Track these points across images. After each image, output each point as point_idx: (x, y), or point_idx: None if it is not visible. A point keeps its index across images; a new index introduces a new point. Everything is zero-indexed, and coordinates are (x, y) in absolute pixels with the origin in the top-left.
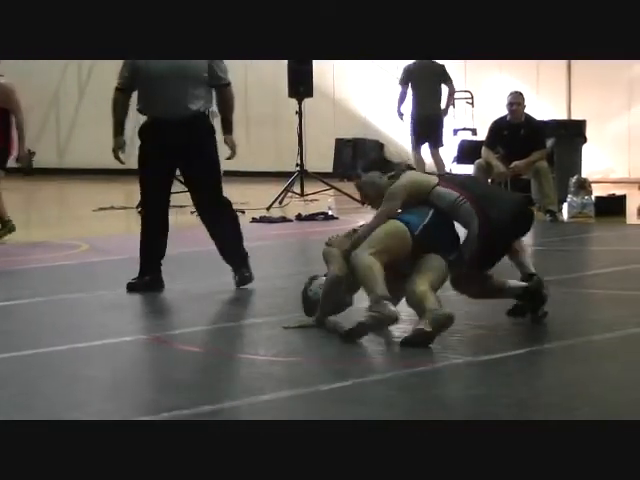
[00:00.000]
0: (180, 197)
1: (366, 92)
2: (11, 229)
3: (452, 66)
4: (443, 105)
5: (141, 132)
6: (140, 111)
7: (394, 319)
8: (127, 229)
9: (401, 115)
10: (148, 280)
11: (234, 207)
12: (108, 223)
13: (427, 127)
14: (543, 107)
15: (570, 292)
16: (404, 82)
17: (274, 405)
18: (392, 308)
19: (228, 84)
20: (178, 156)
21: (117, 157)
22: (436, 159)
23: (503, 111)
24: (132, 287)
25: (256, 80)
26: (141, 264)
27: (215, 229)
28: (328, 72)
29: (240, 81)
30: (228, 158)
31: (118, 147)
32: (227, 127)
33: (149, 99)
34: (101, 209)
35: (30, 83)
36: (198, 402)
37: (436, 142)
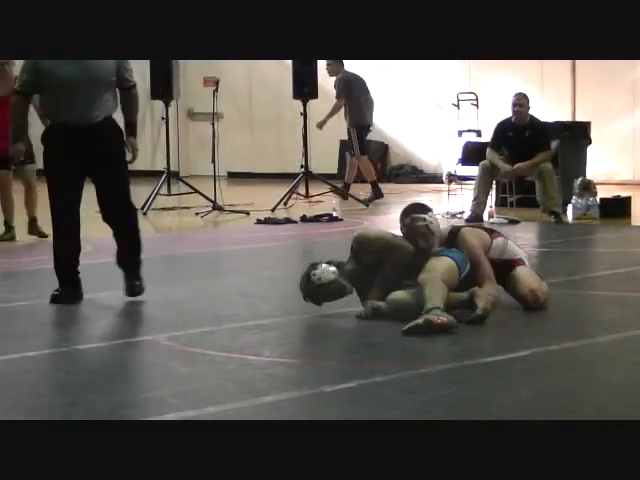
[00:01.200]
0: (183, 198)
1: (371, 93)
2: (12, 237)
3: (457, 67)
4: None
5: (45, 138)
6: (44, 116)
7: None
8: None
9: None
10: (67, 291)
11: (239, 208)
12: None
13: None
14: (547, 108)
15: (574, 294)
16: (346, 93)
17: (278, 406)
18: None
19: (134, 85)
20: (86, 161)
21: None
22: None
23: (507, 113)
24: (55, 299)
25: (260, 82)
26: (59, 275)
27: (118, 231)
28: None
29: (244, 82)
30: (130, 162)
31: (16, 154)
32: (132, 130)
33: (57, 104)
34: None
35: None
36: (202, 403)
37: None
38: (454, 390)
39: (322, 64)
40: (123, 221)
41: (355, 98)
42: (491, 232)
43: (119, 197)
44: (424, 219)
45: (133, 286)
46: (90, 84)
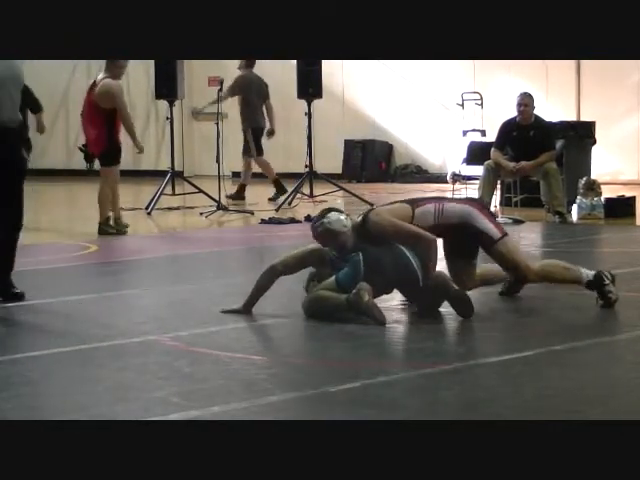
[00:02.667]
0: (188, 198)
1: (375, 93)
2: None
3: (462, 67)
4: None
5: None
6: None
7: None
8: (135, 230)
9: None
10: None
11: (244, 207)
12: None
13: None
14: (552, 108)
15: (578, 294)
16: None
17: (282, 406)
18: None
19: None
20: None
21: None
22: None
23: (512, 112)
24: None
25: (265, 80)
26: None
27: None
28: (337, 73)
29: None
30: None
31: None
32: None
33: None
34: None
35: (39, 84)
36: (206, 403)
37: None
38: (458, 390)
39: (326, 65)
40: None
41: (251, 100)
42: (415, 202)
43: (11, 199)
44: (321, 223)
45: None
46: (14, 84)
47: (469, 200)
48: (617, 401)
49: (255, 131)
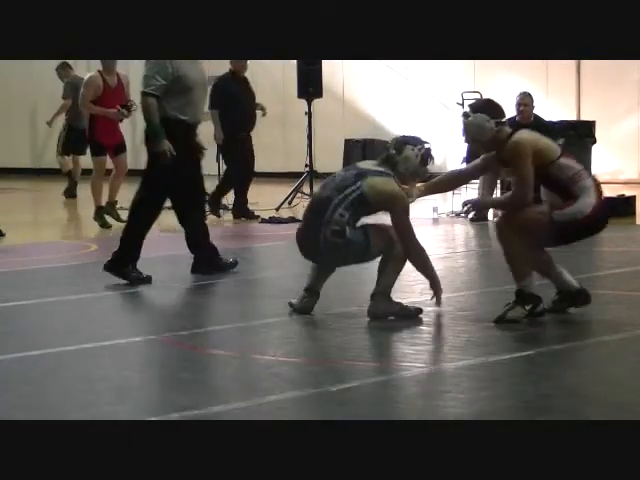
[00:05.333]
0: None
1: (376, 93)
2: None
3: (462, 67)
4: None
5: (175, 134)
6: (178, 116)
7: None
8: None
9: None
10: None
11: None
12: (117, 223)
13: None
14: (552, 108)
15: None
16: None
17: (282, 406)
18: None
19: None
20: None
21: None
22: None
23: (512, 112)
24: None
25: (265, 81)
26: None
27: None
28: (337, 72)
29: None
30: None
31: (168, 151)
32: None
33: (193, 105)
34: None
35: (38, 84)
36: (207, 402)
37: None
38: (459, 390)
39: (326, 64)
40: None
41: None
42: (566, 151)
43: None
44: (467, 115)
45: None
46: (205, 87)
47: (602, 198)
48: (618, 401)
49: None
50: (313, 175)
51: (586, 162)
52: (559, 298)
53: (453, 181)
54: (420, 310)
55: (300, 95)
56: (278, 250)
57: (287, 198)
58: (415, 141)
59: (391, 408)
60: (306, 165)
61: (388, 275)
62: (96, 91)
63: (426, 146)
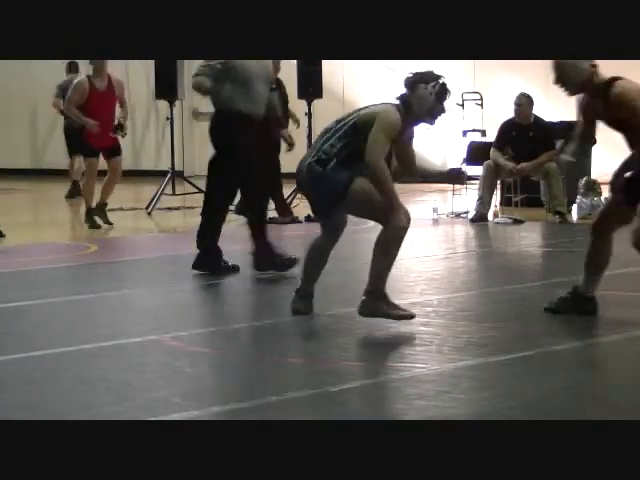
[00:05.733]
0: (188, 198)
1: (376, 93)
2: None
3: (462, 67)
4: None
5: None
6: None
7: None
8: (136, 230)
9: None
10: None
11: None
12: (117, 224)
13: None
14: (552, 109)
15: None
16: None
17: (281, 406)
18: None
19: None
20: None
21: None
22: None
23: (512, 113)
24: None
25: None
26: None
27: None
28: (337, 73)
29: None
30: None
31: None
32: None
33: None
34: (110, 210)
35: (39, 84)
36: (207, 403)
37: None
38: (459, 391)
39: (326, 64)
40: None
41: None
42: None
43: None
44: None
45: None
46: (265, 78)
47: None
48: (615, 401)
49: None
50: None
51: (586, 163)
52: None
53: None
54: (413, 316)
55: (300, 96)
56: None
57: (288, 198)
58: (428, 78)
59: (391, 408)
60: None
61: (378, 263)
62: (81, 96)
63: (440, 81)
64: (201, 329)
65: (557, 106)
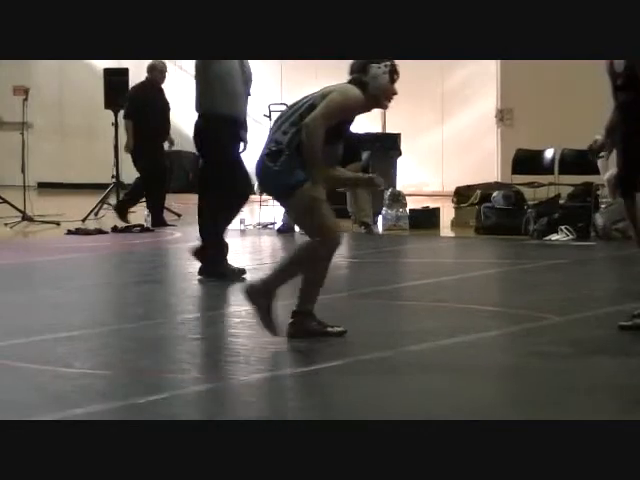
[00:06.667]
0: None
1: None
2: None
3: (269, 77)
4: None
5: None
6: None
7: None
8: None
9: None
10: None
11: (50, 218)
12: None
13: None
14: (358, 120)
15: (384, 304)
16: None
17: (89, 418)
18: None
19: None
20: None
21: None
22: None
23: None
24: None
25: (71, 91)
26: None
27: None
28: None
29: (55, 92)
30: None
31: None
32: None
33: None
34: None
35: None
36: (10, 415)
37: None
38: (265, 400)
39: (133, 74)
40: None
41: None
42: None
43: None
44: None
45: None
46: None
47: None
48: (422, 409)
49: None
50: (120, 186)
51: (391, 174)
52: None
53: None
54: (344, 332)
55: (107, 106)
56: (84, 262)
57: (94, 209)
58: (376, 59)
59: (197, 417)
60: (112, 176)
61: (306, 290)
62: None
63: (390, 62)
64: (6, 341)
65: (363, 117)
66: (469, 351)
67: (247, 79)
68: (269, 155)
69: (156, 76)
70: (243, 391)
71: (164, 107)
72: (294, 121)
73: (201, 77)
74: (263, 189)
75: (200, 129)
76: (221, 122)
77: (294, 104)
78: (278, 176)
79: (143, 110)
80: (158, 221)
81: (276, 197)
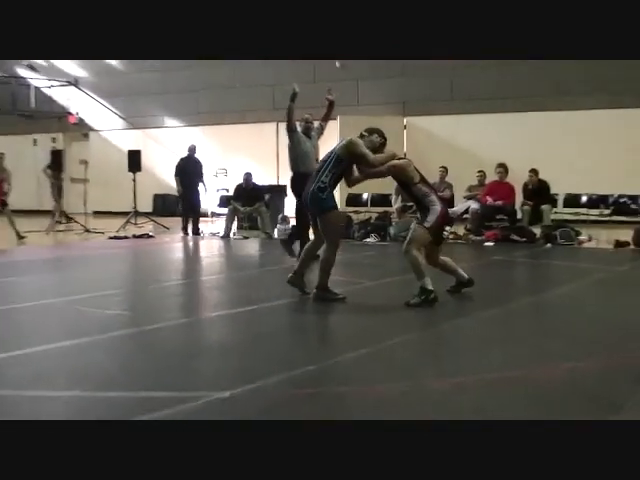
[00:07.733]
0: None
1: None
2: None
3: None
4: None
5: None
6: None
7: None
8: None
9: None
10: None
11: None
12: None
13: None
14: (261, 175)
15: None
16: None
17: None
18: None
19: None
20: None
21: None
22: None
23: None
24: None
25: (109, 161)
26: None
27: None
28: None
29: (102, 162)
30: None
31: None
32: None
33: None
34: None
35: None
36: None
37: None
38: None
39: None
40: None
41: None
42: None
43: None
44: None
45: None
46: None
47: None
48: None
49: None
50: (137, 213)
51: (281, 207)
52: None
53: None
54: (344, 298)
55: (129, 170)
56: None
57: (122, 226)
58: (378, 133)
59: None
60: (132, 207)
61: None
62: None
63: (384, 139)
64: None
65: (263, 173)
66: None
67: (313, 150)
68: (320, 189)
69: (192, 150)
70: None
71: (197, 169)
72: (330, 167)
73: (292, 151)
74: (311, 209)
75: (292, 181)
76: (301, 176)
77: (327, 157)
78: (323, 202)
79: (185, 172)
80: (195, 232)
81: (317, 214)
